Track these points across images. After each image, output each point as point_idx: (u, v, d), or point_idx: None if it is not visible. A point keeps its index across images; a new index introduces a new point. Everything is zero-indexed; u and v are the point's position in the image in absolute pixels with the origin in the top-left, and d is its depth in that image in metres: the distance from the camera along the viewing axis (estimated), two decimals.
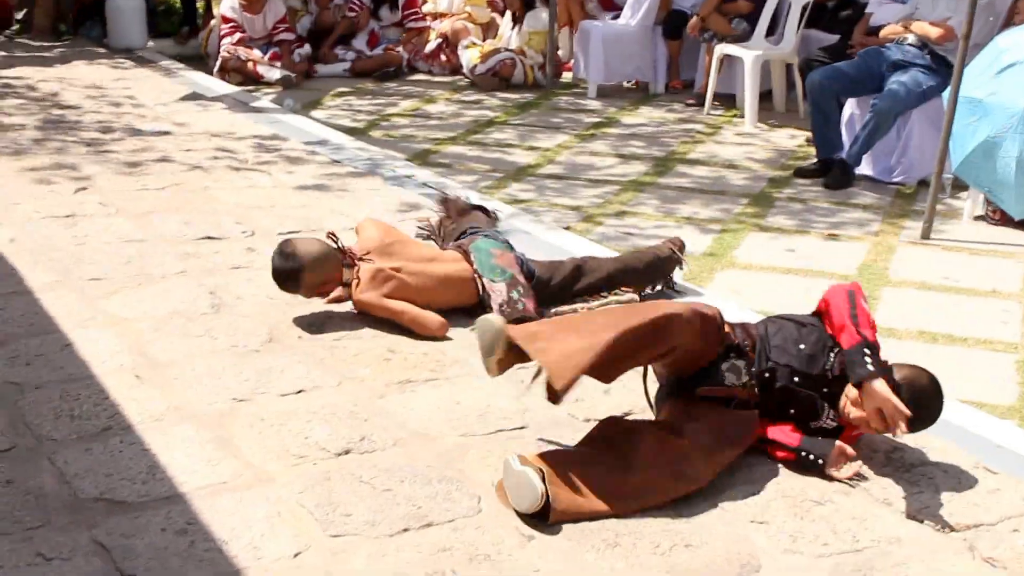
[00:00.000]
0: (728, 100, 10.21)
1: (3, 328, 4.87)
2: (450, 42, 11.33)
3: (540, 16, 10.93)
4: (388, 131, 9.02)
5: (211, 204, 6.67)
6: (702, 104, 10.05)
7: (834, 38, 9.65)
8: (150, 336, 4.81)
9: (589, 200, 7.35)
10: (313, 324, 5.00)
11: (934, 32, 7.85)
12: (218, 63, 10.73)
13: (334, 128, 8.88)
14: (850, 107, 8.26)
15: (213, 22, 11.44)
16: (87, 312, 5.04)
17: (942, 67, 7.80)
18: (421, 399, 4.34)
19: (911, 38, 8.01)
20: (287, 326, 4.97)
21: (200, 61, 11.45)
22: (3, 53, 11.15)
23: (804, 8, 9.72)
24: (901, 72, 7.87)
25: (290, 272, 4.96)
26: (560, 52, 11.50)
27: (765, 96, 9.96)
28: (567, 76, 11.31)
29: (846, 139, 8.15)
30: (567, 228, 6.68)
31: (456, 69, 11.22)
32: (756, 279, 6.07)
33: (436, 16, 11.76)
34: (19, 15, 12.07)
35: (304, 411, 4.18)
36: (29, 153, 7.65)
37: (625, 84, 11.02)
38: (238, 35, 10.75)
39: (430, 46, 11.45)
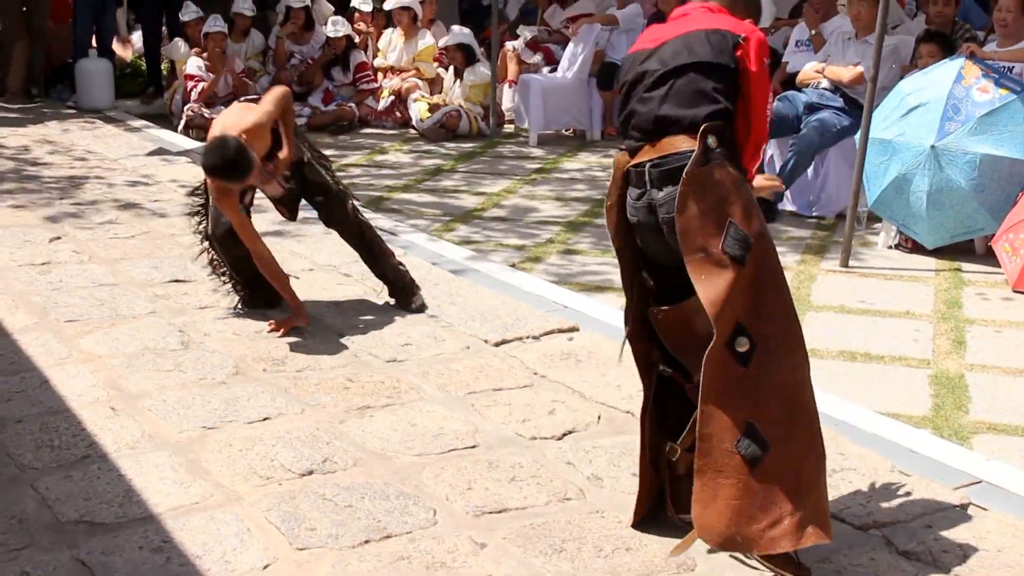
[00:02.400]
0: None
1: None
2: (401, 98, 11.39)
3: (479, 70, 11.02)
4: (343, 180, 9.04)
5: (178, 249, 6.69)
6: None
7: None
8: (123, 371, 4.84)
9: (533, 240, 7.43)
10: (276, 358, 5.05)
11: (846, 75, 8.02)
12: (183, 120, 10.75)
13: None
14: (771, 148, 8.39)
15: (176, 83, 11.47)
16: (64, 351, 5.06)
17: (854, 108, 7.95)
18: (379, 423, 4.39)
19: (824, 82, 8.18)
20: (252, 360, 5.01)
21: (165, 119, 11.45)
22: None
23: None
24: (817, 114, 8.03)
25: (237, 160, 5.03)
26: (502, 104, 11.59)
27: None
28: (509, 127, 11.40)
29: None
30: (513, 266, 6.75)
31: (406, 122, 11.27)
32: None
33: (386, 71, 11.80)
34: None
35: (270, 436, 4.22)
36: (5, 208, 7.64)
37: (563, 132, 11.12)
38: (202, 85, 10.77)
39: (383, 103, 11.49)
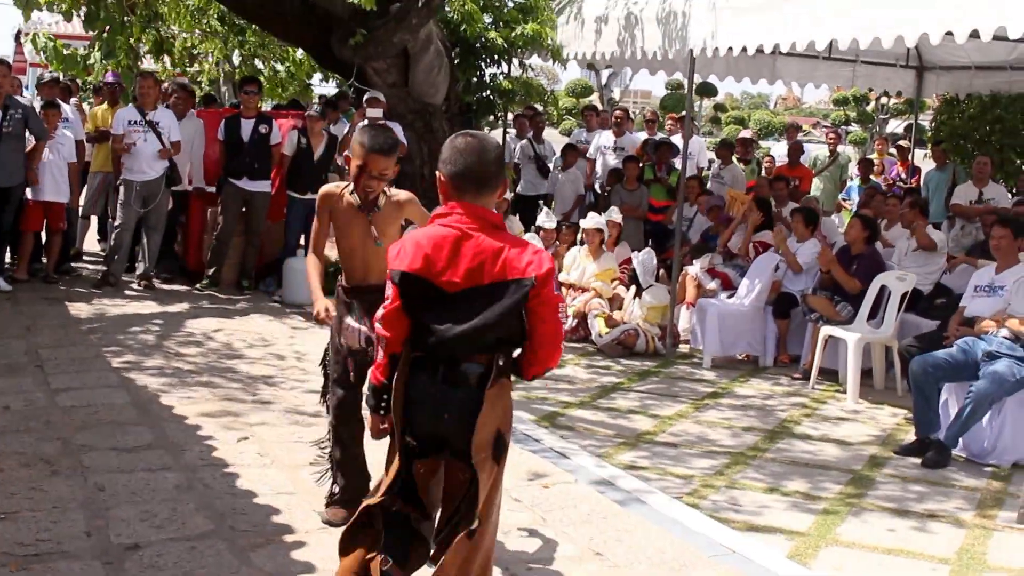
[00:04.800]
0: (831, 375, 9.87)
1: (159, 575, 4.69)
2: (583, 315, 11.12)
3: (658, 292, 10.81)
4: (523, 392, 8.76)
5: None
6: (807, 378, 9.73)
7: (931, 324, 9.36)
8: None
9: (700, 470, 7.03)
10: None
11: None
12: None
13: None
14: (946, 392, 7.89)
15: None
16: (235, 563, 4.85)
17: None
18: None
19: (1004, 331, 7.70)
20: None
21: None
22: (193, 304, 11.30)
23: (903, 296, 9.46)
24: (996, 362, 7.53)
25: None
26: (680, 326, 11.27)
27: (865, 373, 9.61)
28: (684, 347, 11.06)
29: (943, 420, 7.77)
30: (679, 499, 6.36)
31: (585, 336, 11.01)
32: (859, 558, 5.69)
33: (568, 286, 11.58)
34: (209, 271, 12.30)
35: None
36: (201, 400, 7.60)
37: (737, 356, 10.73)
38: None
39: (568, 324, 11.24)
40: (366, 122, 11.78)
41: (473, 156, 3.75)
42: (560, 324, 3.82)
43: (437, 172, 3.82)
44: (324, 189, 5.47)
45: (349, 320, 5.33)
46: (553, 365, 3.93)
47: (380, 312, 3.84)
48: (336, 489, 5.50)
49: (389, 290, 3.81)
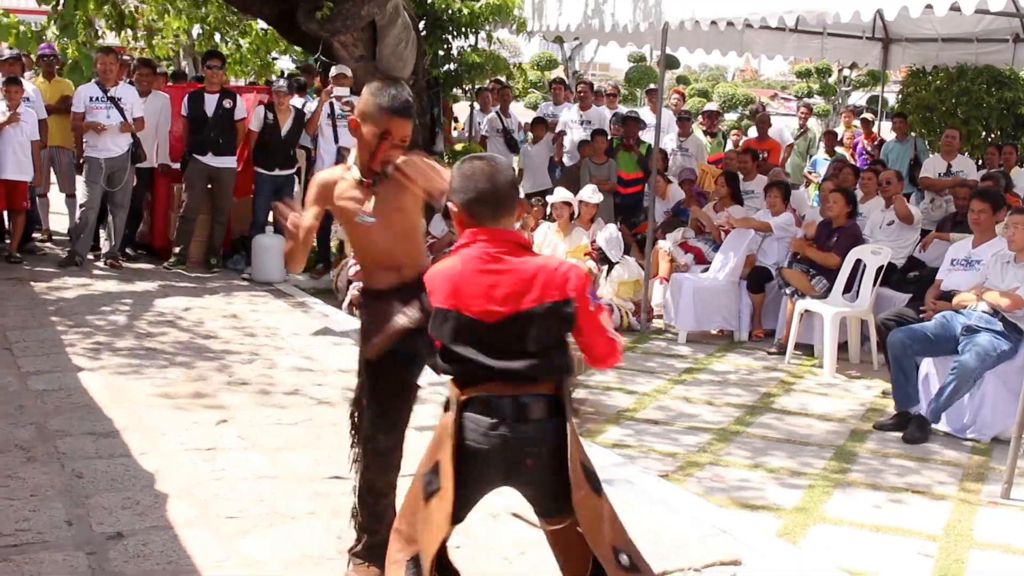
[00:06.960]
0: (806, 349, 9.85)
1: (145, 565, 4.58)
2: None
3: (630, 266, 10.73)
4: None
5: (340, 441, 6.37)
6: (783, 353, 9.70)
7: (904, 297, 9.36)
8: None
9: (684, 447, 6.98)
10: None
11: (1004, 302, 7.52)
12: (347, 299, 10.61)
13: None
14: (926, 366, 7.88)
15: (344, 260, 11.37)
16: (222, 552, 4.75)
17: (1013, 332, 7.49)
18: None
19: (983, 305, 7.68)
20: None
21: (330, 294, 11.32)
22: (161, 283, 11.13)
23: (879, 269, 9.44)
24: (976, 336, 7.51)
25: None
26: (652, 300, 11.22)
27: (841, 347, 9.59)
28: (658, 322, 11.00)
29: (922, 394, 7.76)
30: (665, 476, 6.31)
31: None
32: (848, 535, 5.65)
33: None
34: (176, 249, 12.12)
35: None
36: (176, 382, 7.47)
37: (711, 331, 10.68)
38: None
39: None
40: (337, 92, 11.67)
41: (484, 181, 3.53)
42: (607, 335, 3.56)
43: (448, 203, 3.59)
44: (320, 178, 4.57)
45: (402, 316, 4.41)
46: (608, 364, 3.65)
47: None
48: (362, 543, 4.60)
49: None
